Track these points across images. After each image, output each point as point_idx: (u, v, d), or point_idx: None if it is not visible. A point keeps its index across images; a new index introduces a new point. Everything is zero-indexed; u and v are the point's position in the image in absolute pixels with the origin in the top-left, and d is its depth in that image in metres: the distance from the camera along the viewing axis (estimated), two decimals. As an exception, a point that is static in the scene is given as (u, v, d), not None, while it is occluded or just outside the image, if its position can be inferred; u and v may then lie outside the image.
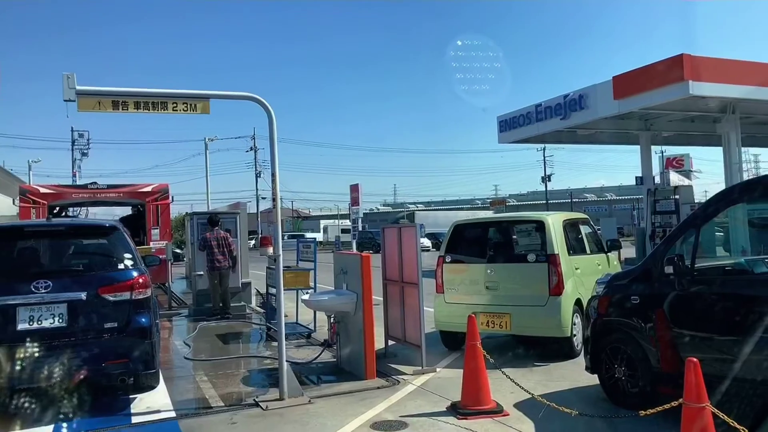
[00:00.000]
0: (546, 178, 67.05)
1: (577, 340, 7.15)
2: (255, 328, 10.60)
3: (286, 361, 6.02)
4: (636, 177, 22.00)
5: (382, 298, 7.72)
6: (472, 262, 7.89)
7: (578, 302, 7.27)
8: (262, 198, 59.38)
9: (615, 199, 75.64)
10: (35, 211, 14.20)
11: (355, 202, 34.88)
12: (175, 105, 5.86)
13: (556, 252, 7.20)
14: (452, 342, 7.89)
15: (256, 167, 60.44)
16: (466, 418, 5.10)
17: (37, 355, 5.22)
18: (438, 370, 6.86)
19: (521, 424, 4.94)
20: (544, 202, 65.36)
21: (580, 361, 6.33)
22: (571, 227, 8.11)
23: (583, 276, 7.57)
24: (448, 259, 7.94)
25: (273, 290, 8.63)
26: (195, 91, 5.96)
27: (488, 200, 74.63)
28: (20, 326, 5.26)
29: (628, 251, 20.58)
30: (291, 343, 8.50)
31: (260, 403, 5.68)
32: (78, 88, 5.43)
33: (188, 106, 5.89)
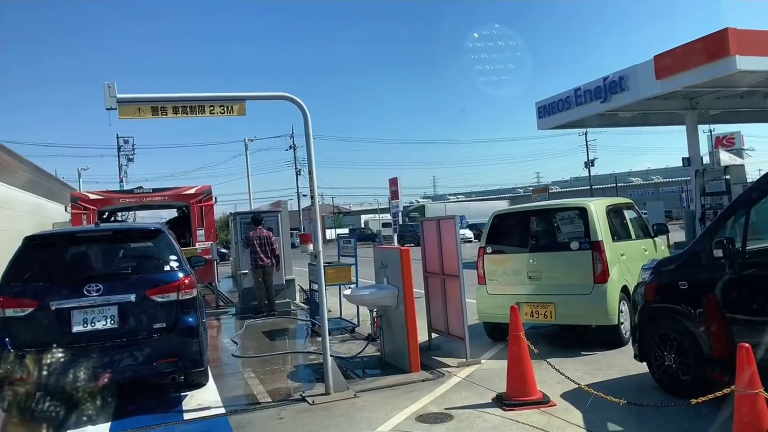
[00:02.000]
0: (589, 163, 65.70)
1: (625, 328, 6.99)
2: (300, 324, 10.75)
3: (331, 356, 6.10)
4: (683, 158, 21.35)
5: (423, 291, 7.71)
6: (513, 252, 7.80)
7: (624, 289, 7.11)
8: (303, 195, 60.09)
9: (662, 182, 73.58)
10: (86, 217, 14.69)
11: (394, 195, 34.91)
12: (212, 108, 5.97)
13: (599, 239, 7.05)
14: (496, 333, 7.83)
15: (296, 165, 61.18)
16: (512, 409, 5.06)
17: (91, 356, 5.42)
18: (482, 361, 6.82)
19: (568, 414, 4.87)
20: (587, 188, 64.04)
21: (628, 349, 6.20)
22: (615, 213, 7.93)
23: (629, 262, 7.40)
24: (489, 249, 7.87)
25: (316, 286, 8.73)
26: (230, 93, 6.06)
27: (530, 188, 73.44)
28: (75, 328, 5.47)
29: (678, 235, 20.01)
30: (335, 338, 8.59)
31: (307, 398, 5.77)
32: (118, 96, 5.58)
33: (225, 108, 5.99)
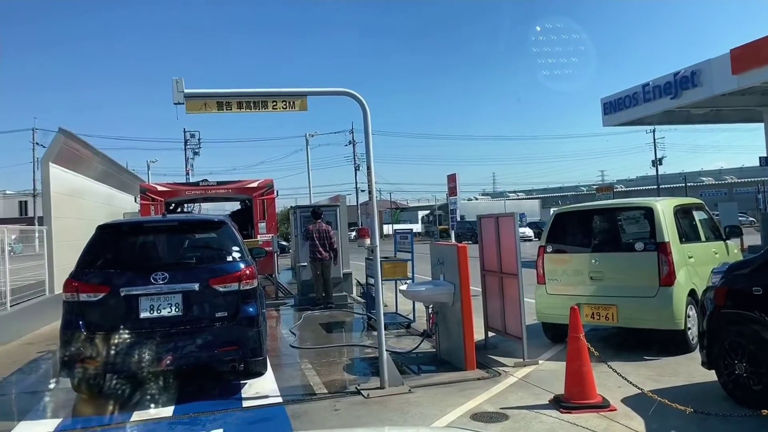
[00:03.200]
0: (657, 162, 63.29)
1: (692, 334, 6.71)
2: (356, 317, 10.84)
3: (386, 350, 6.12)
4: (760, 157, 20.33)
5: (480, 289, 7.64)
6: (575, 252, 7.60)
7: (692, 293, 6.82)
8: (362, 191, 60.54)
9: (736, 182, 70.05)
10: (154, 208, 15.28)
11: (452, 192, 34.67)
12: (274, 103, 6.09)
13: (666, 240, 6.79)
14: (555, 334, 7.66)
15: (354, 161, 61.71)
16: (569, 412, 4.94)
17: (156, 341, 5.65)
18: (540, 362, 6.69)
19: (629, 420, 4.72)
20: (655, 187, 61.72)
21: (695, 356, 5.95)
22: (683, 213, 7.61)
23: (698, 265, 7.08)
24: (549, 248, 7.71)
25: (372, 280, 8.78)
26: (293, 89, 6.17)
27: (594, 186, 71.44)
28: (142, 314, 5.70)
29: (753, 239, 19.00)
30: (391, 333, 8.62)
31: (362, 391, 5.82)
32: (186, 91, 5.77)
33: (287, 103, 6.11)
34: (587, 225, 7.96)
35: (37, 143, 55.03)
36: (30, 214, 60.87)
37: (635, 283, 6.92)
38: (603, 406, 5.00)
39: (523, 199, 71.94)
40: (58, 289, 8.55)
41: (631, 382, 4.99)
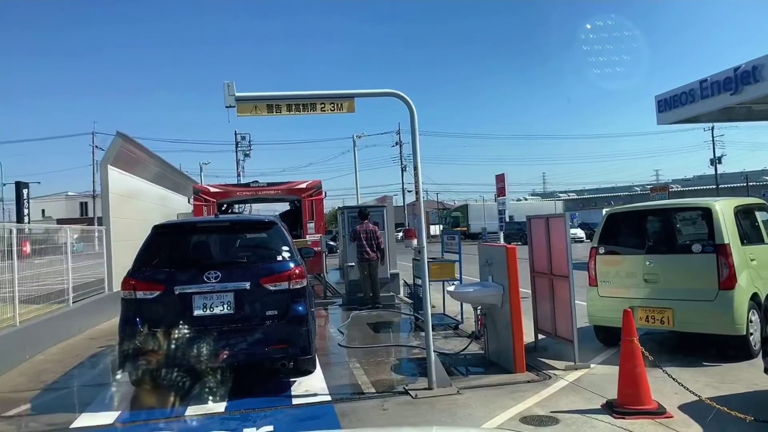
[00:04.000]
0: (716, 161, 60.94)
1: (754, 339, 6.43)
2: (403, 317, 10.85)
3: (434, 351, 6.11)
4: (829, 155, 19.25)
5: (529, 291, 7.53)
6: (628, 254, 7.40)
7: (755, 297, 6.54)
8: (408, 191, 60.55)
9: (802, 181, 66.62)
10: (206, 209, 15.69)
11: (501, 192, 34.20)
12: (323, 105, 6.17)
13: (726, 242, 6.53)
14: (607, 337, 7.47)
15: (401, 162, 61.76)
16: (623, 418, 4.82)
17: (209, 338, 5.79)
18: (592, 366, 6.55)
19: (687, 428, 4.56)
20: (713, 187, 59.43)
21: (758, 362, 5.69)
22: (744, 214, 7.31)
23: (761, 268, 6.80)
24: (601, 250, 7.53)
25: (419, 281, 8.77)
26: (340, 91, 6.23)
27: (648, 186, 69.30)
28: (196, 312, 5.86)
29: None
30: (438, 334, 8.59)
31: (410, 392, 5.82)
32: (237, 94, 5.91)
33: (335, 105, 6.17)
34: (641, 226, 7.74)
35: (96, 146, 57.28)
36: (90, 214, 63.41)
37: (692, 286, 6.69)
38: (659, 412, 4.85)
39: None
40: (117, 287, 8.89)
41: (688, 389, 4.83)
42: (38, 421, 5.59)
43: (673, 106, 21.08)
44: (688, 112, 20.59)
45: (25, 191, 52.97)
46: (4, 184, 58.95)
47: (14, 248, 8.38)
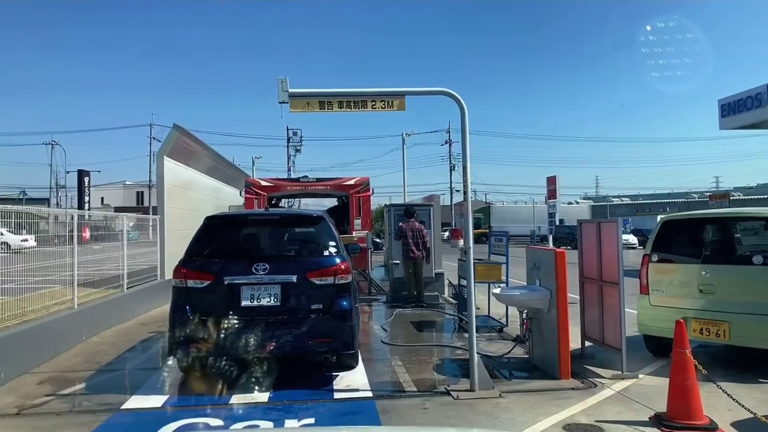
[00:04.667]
0: (781, 169, 58.13)
1: (817, 358, 6.12)
2: (447, 318, 10.79)
3: (477, 353, 6.06)
4: None
5: (577, 297, 7.37)
6: (683, 262, 7.15)
7: (819, 313, 6.20)
8: (456, 191, 60.14)
9: None
10: (257, 202, 16.00)
11: (552, 194, 33.58)
12: (373, 103, 6.20)
13: (789, 254, 6.22)
14: (657, 348, 7.24)
15: (450, 160, 61.40)
16: (672, 431, 4.67)
17: (255, 329, 5.91)
18: (640, 376, 6.36)
19: (740, 447, 4.38)
20: (777, 195, 56.76)
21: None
22: (810, 225, 6.94)
23: (827, 283, 6.43)
24: (655, 258, 7.30)
25: (465, 282, 8.70)
26: (391, 89, 6.24)
27: (707, 193, 66.77)
28: (243, 303, 5.99)
29: None
30: (482, 336, 8.51)
31: (451, 392, 5.79)
32: (290, 90, 5.99)
33: (385, 103, 6.19)
34: (698, 234, 7.47)
35: (153, 138, 59.17)
36: (145, 203, 65.59)
37: (752, 299, 6.41)
38: (710, 428, 4.68)
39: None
40: (169, 275, 9.17)
41: (743, 405, 4.63)
42: (91, 400, 5.82)
43: (737, 110, 20.28)
44: (753, 117, 19.77)
45: (86, 179, 55.35)
46: (68, 172, 61.73)
47: (75, 234, 8.74)
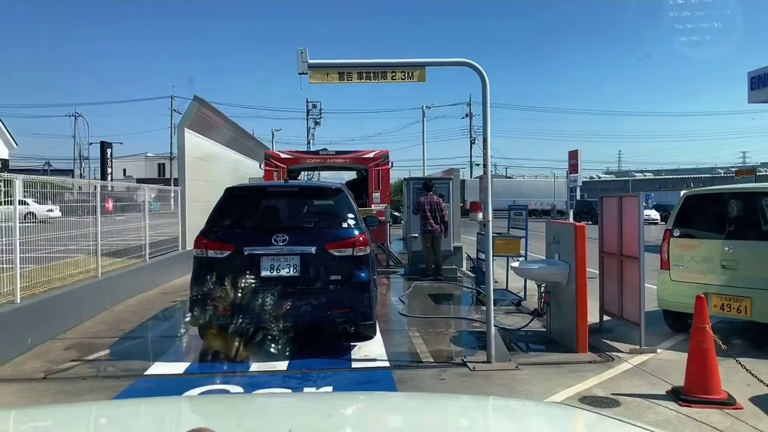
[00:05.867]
0: (810, 144, 56.68)
1: (840, 335, 6.04)
2: (465, 291, 10.82)
3: (495, 326, 6.08)
4: None
5: (596, 271, 7.33)
6: (705, 238, 7.06)
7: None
8: (476, 165, 59.68)
9: None
10: (277, 174, 16.07)
11: (573, 169, 33.22)
12: (393, 74, 6.14)
13: (816, 230, 6.10)
14: (677, 323, 7.20)
15: (470, 134, 60.85)
16: (689, 406, 4.66)
17: (275, 298, 5.98)
18: (658, 350, 6.34)
19: (756, 421, 4.37)
20: (806, 171, 55.42)
21: (843, 359, 5.36)
22: (839, 201, 6.79)
23: None
24: (676, 233, 7.21)
25: (483, 255, 8.69)
26: (411, 59, 6.17)
27: (733, 169, 65.44)
28: (263, 273, 6.06)
29: None
30: (500, 309, 8.53)
31: (468, 363, 5.83)
32: (310, 61, 5.96)
33: (406, 74, 6.13)
34: (721, 209, 7.35)
35: (174, 110, 59.43)
36: (167, 175, 66.23)
37: (775, 276, 6.32)
38: (728, 403, 4.67)
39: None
40: (189, 246, 9.29)
41: (762, 381, 4.61)
42: (115, 366, 5.98)
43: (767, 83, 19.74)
44: (783, 90, 19.24)
45: (108, 151, 55.89)
46: (91, 144, 62.44)
47: (98, 204, 8.87)
